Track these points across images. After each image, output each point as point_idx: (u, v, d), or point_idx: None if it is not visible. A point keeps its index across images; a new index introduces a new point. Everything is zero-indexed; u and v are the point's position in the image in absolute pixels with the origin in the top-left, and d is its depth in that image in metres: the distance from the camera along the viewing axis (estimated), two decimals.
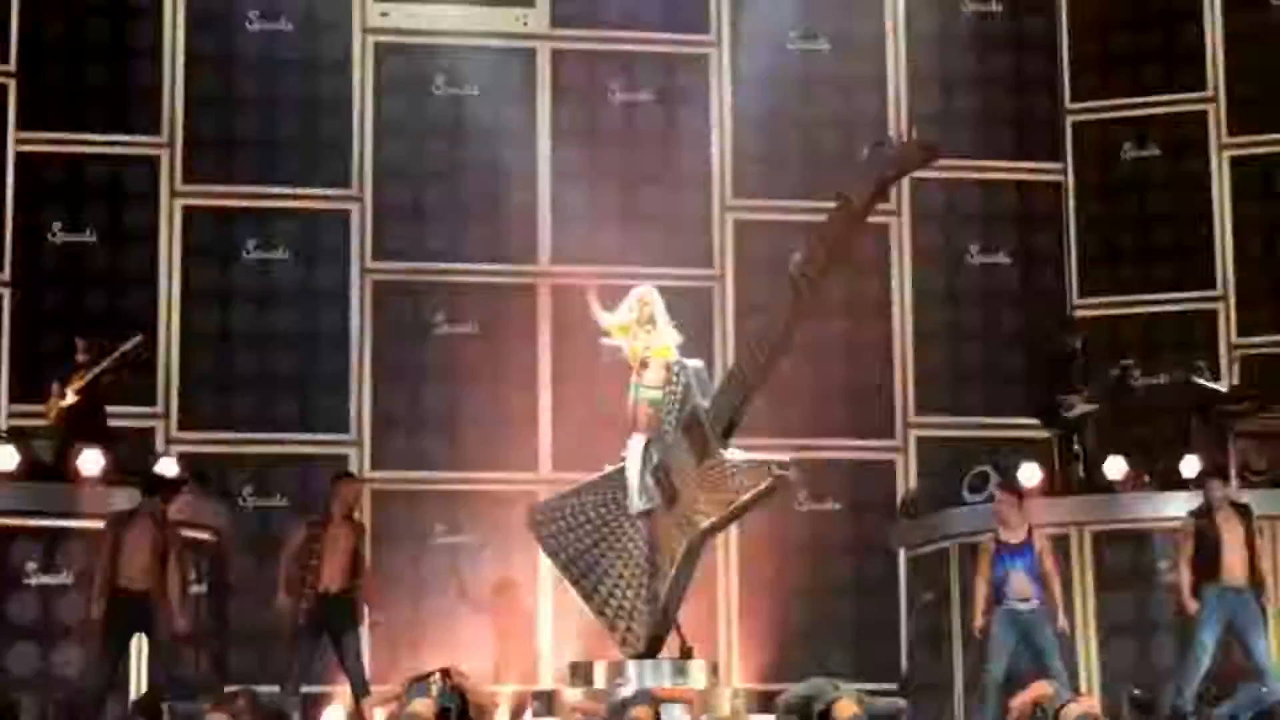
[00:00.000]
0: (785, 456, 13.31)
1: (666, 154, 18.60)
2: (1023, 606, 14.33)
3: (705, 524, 13.29)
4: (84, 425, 15.65)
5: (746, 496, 13.07)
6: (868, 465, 18.49)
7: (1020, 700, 13.08)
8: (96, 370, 15.62)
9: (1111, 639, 15.82)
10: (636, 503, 13.87)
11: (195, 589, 15.30)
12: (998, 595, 14.43)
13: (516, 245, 18.29)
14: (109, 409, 15.88)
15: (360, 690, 14.48)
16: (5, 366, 17.26)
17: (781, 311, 12.89)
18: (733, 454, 13.11)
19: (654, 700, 12.59)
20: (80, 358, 15.77)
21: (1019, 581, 14.34)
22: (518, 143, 18.37)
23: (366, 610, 14.89)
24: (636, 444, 13.99)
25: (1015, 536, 14.56)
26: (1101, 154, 18.96)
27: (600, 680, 13.94)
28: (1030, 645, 14.32)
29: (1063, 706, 12.76)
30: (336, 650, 14.72)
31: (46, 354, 16.63)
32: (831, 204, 18.68)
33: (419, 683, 12.42)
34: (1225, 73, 18.89)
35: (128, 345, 15.74)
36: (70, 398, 15.57)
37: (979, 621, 14.52)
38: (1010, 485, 15.29)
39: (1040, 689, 12.98)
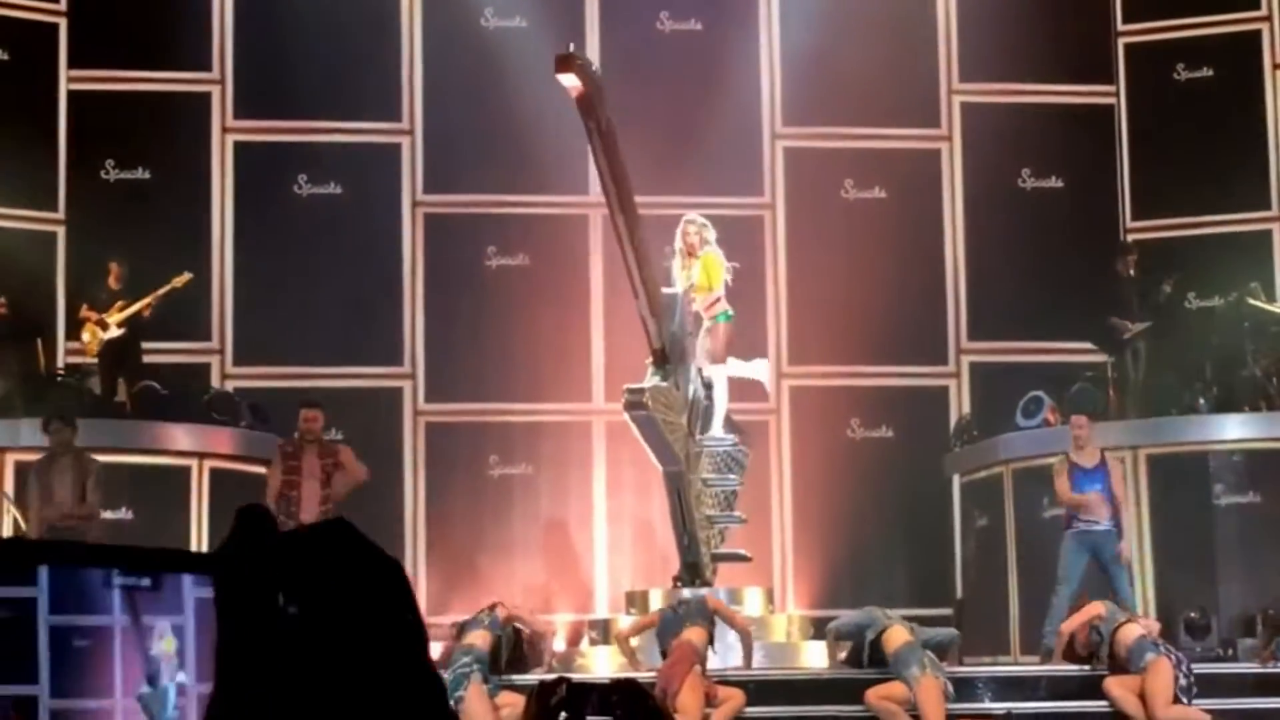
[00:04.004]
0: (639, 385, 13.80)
1: (716, 82, 18.53)
2: (1096, 527, 14.33)
3: None
4: (124, 359, 15.80)
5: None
6: (921, 392, 18.48)
7: (1072, 623, 13.09)
8: (142, 304, 15.74)
9: (1167, 562, 15.81)
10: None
11: None
12: (1070, 517, 14.43)
13: (567, 177, 18.28)
14: (164, 345, 16.00)
15: None
16: (61, 304, 17.37)
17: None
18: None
19: (709, 616, 12.64)
20: (113, 284, 15.88)
21: (1096, 503, 14.33)
22: None
23: None
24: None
25: (1089, 459, 14.52)
26: (1154, 76, 18.81)
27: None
28: (1102, 565, 14.32)
29: (1119, 627, 12.77)
30: None
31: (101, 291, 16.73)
32: (879, 130, 18.73)
33: (471, 619, 12.55)
34: None
35: (179, 282, 15.84)
36: (114, 330, 15.69)
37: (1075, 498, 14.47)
38: (1085, 408, 15.24)
39: (1094, 609, 12.98)
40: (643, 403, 13.49)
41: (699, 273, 14.42)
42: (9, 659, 3.43)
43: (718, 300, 14.49)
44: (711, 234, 14.66)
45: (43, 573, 3.38)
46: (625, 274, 13.79)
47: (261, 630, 2.83)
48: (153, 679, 3.41)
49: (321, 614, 2.82)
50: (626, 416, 13.79)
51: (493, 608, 12.65)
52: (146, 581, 3.40)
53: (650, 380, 13.76)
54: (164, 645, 3.39)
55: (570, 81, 12.54)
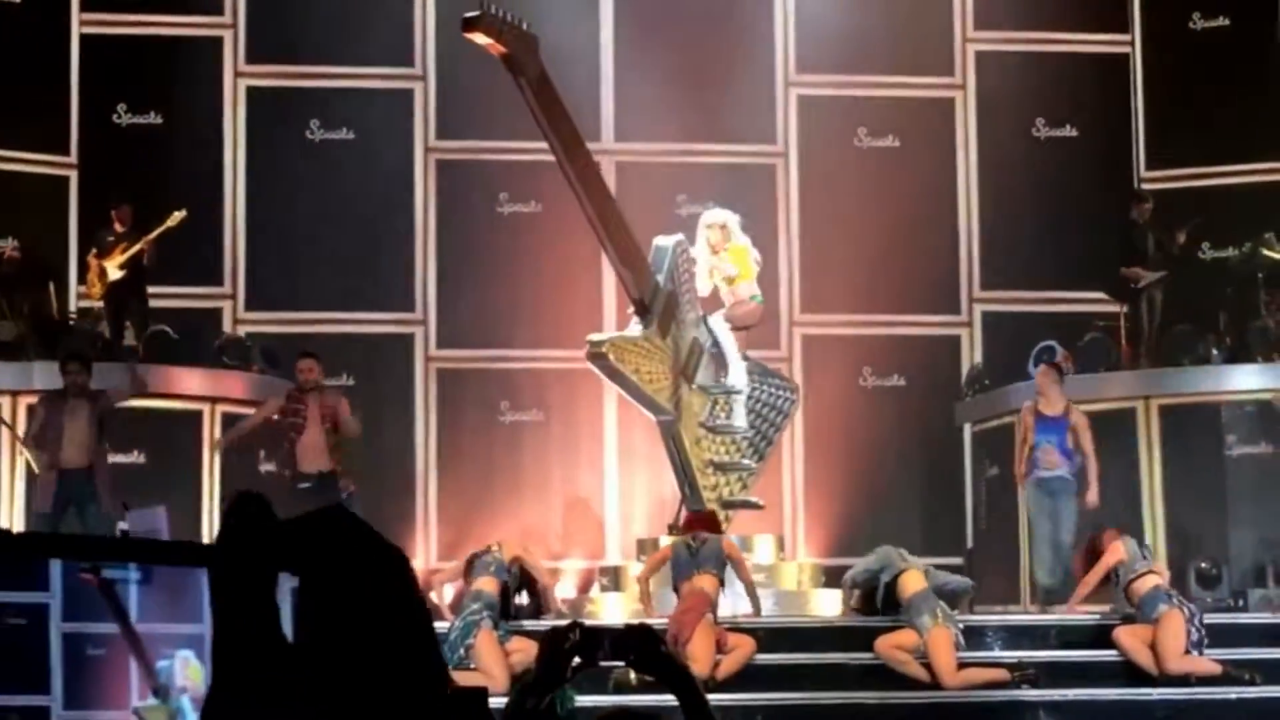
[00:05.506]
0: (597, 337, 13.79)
1: (730, 29, 18.46)
2: (1048, 474, 14.56)
3: None
4: (129, 303, 15.81)
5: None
6: (933, 340, 18.46)
7: (1095, 573, 13.04)
8: (141, 244, 15.74)
9: (1178, 512, 15.81)
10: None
11: (265, 467, 15.46)
12: (1030, 464, 14.61)
13: (580, 122, 18.15)
14: (176, 289, 15.98)
15: None
16: (73, 248, 17.36)
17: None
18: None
19: (722, 562, 12.66)
20: (118, 227, 15.88)
21: (1048, 454, 14.47)
22: (580, 20, 18.26)
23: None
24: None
25: (1054, 409, 14.65)
26: (1169, 24, 18.69)
27: None
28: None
29: (1136, 578, 12.75)
30: None
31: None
32: (892, 78, 18.64)
33: (479, 559, 12.54)
34: None
35: (172, 221, 15.82)
36: (114, 272, 15.71)
37: (1021, 483, 14.79)
38: (1050, 360, 15.38)
39: (1116, 554, 12.91)
40: (602, 354, 13.37)
41: (728, 262, 14.42)
42: (20, 667, 3.27)
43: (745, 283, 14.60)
44: (735, 226, 14.58)
45: (55, 576, 3.23)
46: (623, 222, 13.74)
47: (260, 622, 2.70)
48: (159, 692, 3.26)
49: (323, 603, 2.70)
50: (591, 367, 13.74)
51: (498, 548, 12.64)
52: (136, 574, 3.21)
53: (628, 330, 13.72)
54: (189, 674, 3.26)
55: (483, 40, 12.32)
